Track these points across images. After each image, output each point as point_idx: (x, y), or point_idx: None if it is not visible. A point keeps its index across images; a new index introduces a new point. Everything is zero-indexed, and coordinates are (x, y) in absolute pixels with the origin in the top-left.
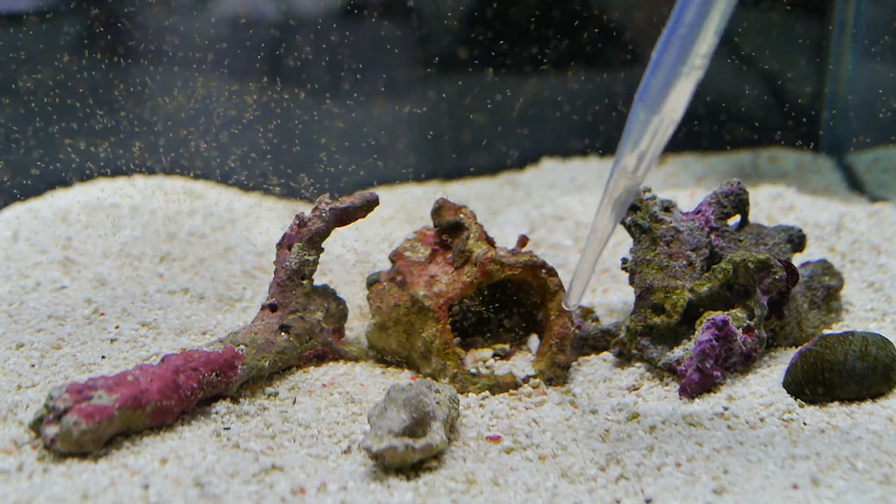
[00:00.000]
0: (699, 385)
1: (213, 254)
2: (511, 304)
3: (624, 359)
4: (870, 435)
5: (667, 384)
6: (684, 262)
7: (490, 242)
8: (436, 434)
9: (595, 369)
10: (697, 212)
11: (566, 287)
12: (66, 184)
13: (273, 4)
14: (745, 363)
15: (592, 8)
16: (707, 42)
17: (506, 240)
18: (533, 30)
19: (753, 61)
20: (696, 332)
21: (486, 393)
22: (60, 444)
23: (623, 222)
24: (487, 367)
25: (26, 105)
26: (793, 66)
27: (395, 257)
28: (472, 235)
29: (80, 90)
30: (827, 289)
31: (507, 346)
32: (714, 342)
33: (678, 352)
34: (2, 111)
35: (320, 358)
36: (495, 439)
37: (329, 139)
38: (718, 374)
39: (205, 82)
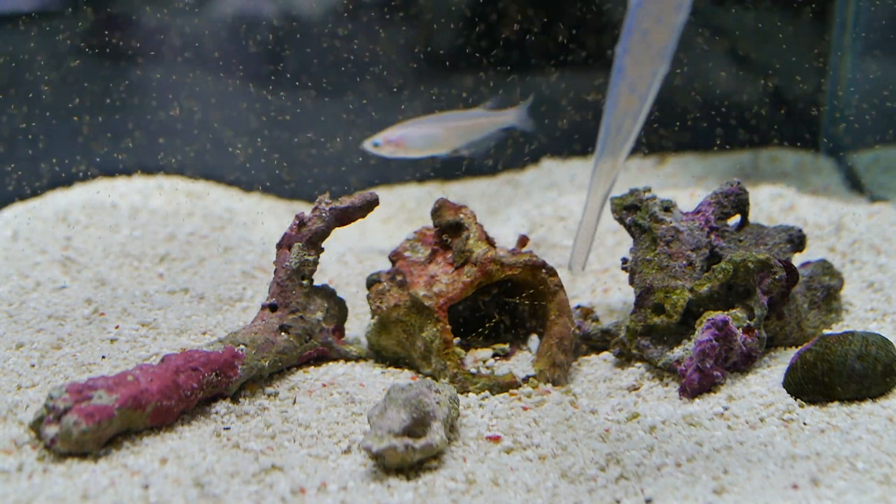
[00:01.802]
0: (699, 385)
1: (213, 254)
2: (511, 303)
3: (624, 359)
4: (870, 435)
5: (667, 384)
6: (684, 262)
7: (490, 242)
8: (436, 434)
9: (595, 369)
10: (697, 212)
11: (566, 289)
12: (66, 184)
13: (273, 4)
14: (745, 363)
15: (593, 8)
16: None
17: (506, 240)
18: (534, 29)
19: (753, 61)
20: (696, 332)
21: (486, 393)
22: (60, 444)
23: (623, 222)
24: (487, 367)
25: (27, 105)
26: (793, 66)
27: (395, 257)
28: (472, 235)
29: (81, 90)
30: (827, 289)
31: (507, 346)
32: (714, 342)
33: (678, 352)
34: (2, 111)
35: (320, 358)
36: (495, 439)
37: (329, 139)
38: (718, 374)
39: (205, 82)
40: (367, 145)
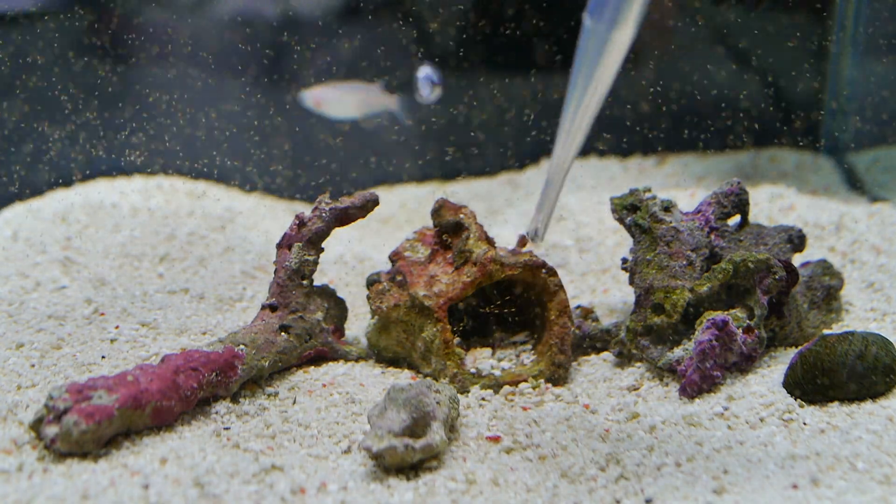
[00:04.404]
0: (699, 385)
1: (213, 254)
2: (511, 303)
3: (624, 359)
4: (870, 435)
5: (667, 384)
6: (684, 262)
7: (490, 242)
8: (436, 434)
9: (595, 369)
10: (697, 212)
11: (565, 286)
12: (66, 184)
13: (273, 4)
14: (745, 363)
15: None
16: None
17: (506, 240)
18: (533, 29)
19: (754, 61)
20: (696, 332)
21: (487, 393)
22: (60, 444)
23: (623, 222)
24: (488, 367)
25: (26, 105)
26: (793, 66)
27: (395, 257)
28: (472, 235)
29: (81, 90)
30: (827, 289)
31: (507, 346)
32: (714, 342)
33: (678, 352)
34: (2, 111)
35: (320, 358)
36: (495, 439)
37: (329, 139)
38: (718, 374)
39: (205, 82)
40: (301, 95)
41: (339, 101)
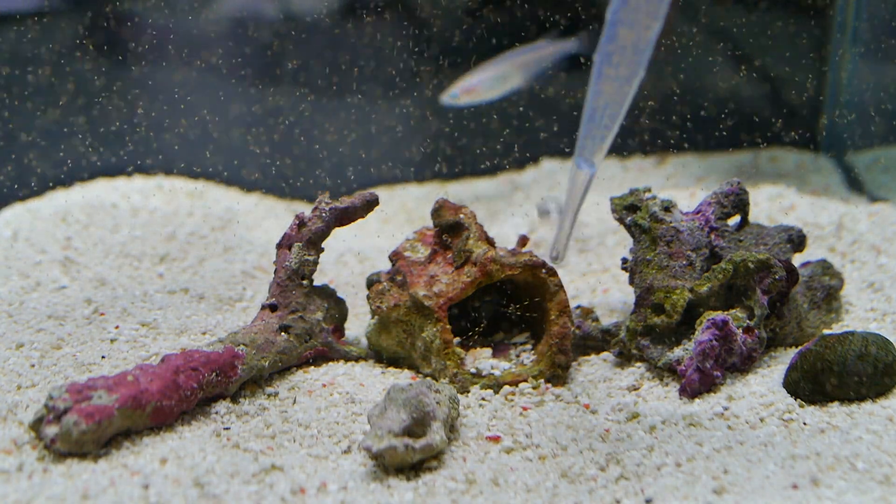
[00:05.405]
0: (699, 385)
1: (213, 254)
2: (511, 303)
3: (624, 359)
4: (870, 435)
5: (667, 384)
6: (684, 262)
7: (490, 242)
8: (436, 434)
9: (595, 369)
10: (697, 212)
11: (564, 284)
12: (66, 184)
13: (274, 4)
14: (745, 363)
15: (595, 7)
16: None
17: (506, 240)
18: (532, 28)
19: (753, 61)
20: (696, 332)
21: (487, 393)
22: (60, 444)
23: (623, 222)
24: (488, 367)
25: (26, 105)
26: (793, 66)
27: (395, 257)
28: (472, 235)
29: (80, 90)
30: (827, 289)
31: (507, 346)
32: (714, 342)
33: (678, 352)
34: (2, 111)
35: (320, 358)
36: (495, 439)
37: (329, 139)
38: (718, 374)
39: (205, 82)
40: (446, 99)
41: (498, 78)
